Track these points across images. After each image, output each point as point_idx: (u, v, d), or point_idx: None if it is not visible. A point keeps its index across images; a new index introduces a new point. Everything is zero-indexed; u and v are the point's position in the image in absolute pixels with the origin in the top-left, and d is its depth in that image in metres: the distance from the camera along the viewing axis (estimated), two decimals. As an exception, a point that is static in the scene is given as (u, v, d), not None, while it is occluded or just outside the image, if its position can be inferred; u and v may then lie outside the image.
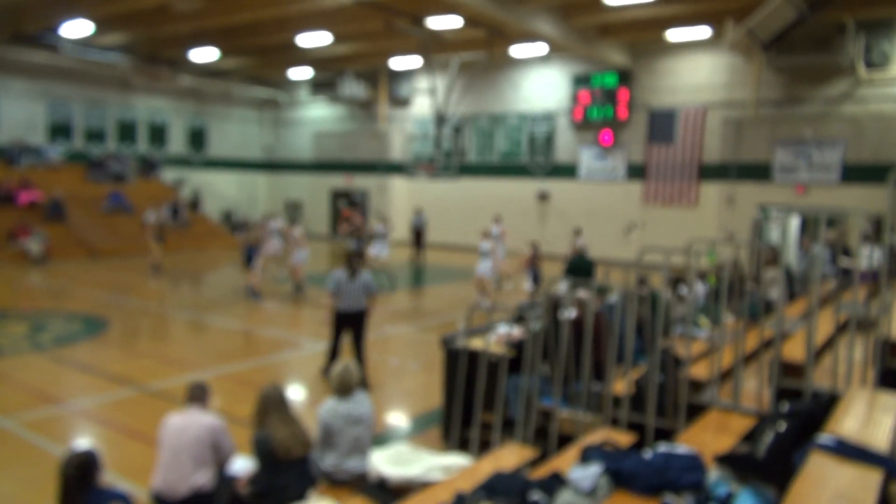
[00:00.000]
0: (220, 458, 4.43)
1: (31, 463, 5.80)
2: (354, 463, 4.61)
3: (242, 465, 4.60)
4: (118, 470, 5.40)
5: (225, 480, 4.43)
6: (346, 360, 5.08)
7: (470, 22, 17.44)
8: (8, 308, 12.46)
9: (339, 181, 27.84)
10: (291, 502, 4.11)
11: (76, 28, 18.86)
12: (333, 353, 8.18)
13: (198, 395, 4.56)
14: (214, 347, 10.27)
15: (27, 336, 10.31)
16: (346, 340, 8.23)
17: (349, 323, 8.13)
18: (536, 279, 13.41)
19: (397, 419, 7.26)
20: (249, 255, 14.44)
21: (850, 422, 3.48)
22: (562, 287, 5.78)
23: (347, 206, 24.78)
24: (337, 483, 4.60)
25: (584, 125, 22.09)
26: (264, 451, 4.32)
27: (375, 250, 16.22)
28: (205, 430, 4.35)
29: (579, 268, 10.90)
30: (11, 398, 7.40)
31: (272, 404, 4.46)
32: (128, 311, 12.56)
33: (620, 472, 3.34)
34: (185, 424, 4.36)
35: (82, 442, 6.30)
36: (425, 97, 23.47)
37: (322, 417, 4.67)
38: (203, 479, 4.28)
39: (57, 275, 16.80)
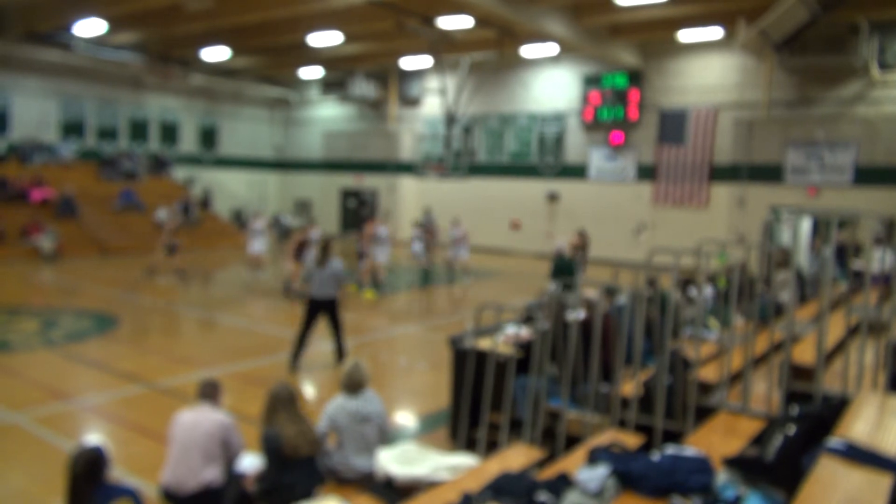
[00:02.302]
0: (229, 455, 4.46)
1: (41, 458, 5.85)
2: (361, 461, 4.62)
3: (250, 462, 4.62)
4: (127, 466, 5.44)
5: (233, 478, 4.46)
6: (355, 357, 5.09)
7: (480, 22, 17.44)
8: (20, 304, 12.58)
9: (348, 181, 27.90)
10: (299, 500, 4.12)
11: (89, 27, 19.01)
12: (300, 344, 8.57)
13: (209, 392, 4.59)
14: (224, 345, 10.32)
15: (38, 332, 10.40)
16: (321, 327, 8.90)
17: (320, 309, 8.58)
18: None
19: (405, 418, 7.27)
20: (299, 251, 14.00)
21: (860, 426, 3.46)
22: (550, 288, 5.79)
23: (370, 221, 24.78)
24: (344, 481, 4.62)
25: (595, 126, 22.02)
26: (272, 449, 4.35)
27: (377, 255, 15.56)
28: (215, 426, 4.38)
29: (562, 269, 10.93)
30: (22, 394, 7.47)
31: (281, 402, 4.49)
32: (138, 309, 12.65)
33: (628, 474, 3.33)
34: (196, 421, 4.39)
35: (91, 438, 6.34)
36: (435, 97, 23.47)
37: (328, 412, 4.69)
38: (212, 475, 4.31)
39: (68, 272, 16.93)
